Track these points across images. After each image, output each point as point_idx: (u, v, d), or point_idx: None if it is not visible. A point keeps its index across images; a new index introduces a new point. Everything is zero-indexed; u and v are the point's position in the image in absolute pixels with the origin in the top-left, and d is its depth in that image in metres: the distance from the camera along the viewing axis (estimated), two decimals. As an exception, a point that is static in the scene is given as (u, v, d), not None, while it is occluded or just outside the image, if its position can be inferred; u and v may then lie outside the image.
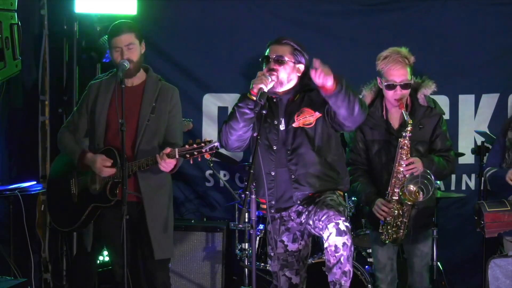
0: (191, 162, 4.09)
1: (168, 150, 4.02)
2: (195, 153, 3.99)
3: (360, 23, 5.96)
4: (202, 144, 3.98)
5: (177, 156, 4.01)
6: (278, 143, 4.05)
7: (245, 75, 6.07)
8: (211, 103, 6.10)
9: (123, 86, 4.05)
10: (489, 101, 5.83)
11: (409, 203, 4.27)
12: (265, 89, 3.87)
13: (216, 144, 3.99)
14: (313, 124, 4.02)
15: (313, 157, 4.01)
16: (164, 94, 4.32)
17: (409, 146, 4.27)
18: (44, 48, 5.84)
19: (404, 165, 4.26)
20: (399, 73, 4.30)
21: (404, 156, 4.27)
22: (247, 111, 3.93)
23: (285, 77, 4.06)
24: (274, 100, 4.11)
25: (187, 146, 4.00)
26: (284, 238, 4.09)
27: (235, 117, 3.99)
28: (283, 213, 4.08)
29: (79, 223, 4.29)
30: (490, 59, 5.83)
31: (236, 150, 4.19)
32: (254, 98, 3.85)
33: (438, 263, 5.25)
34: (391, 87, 4.32)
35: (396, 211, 4.31)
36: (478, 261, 5.03)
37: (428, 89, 4.43)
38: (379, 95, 4.49)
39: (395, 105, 4.35)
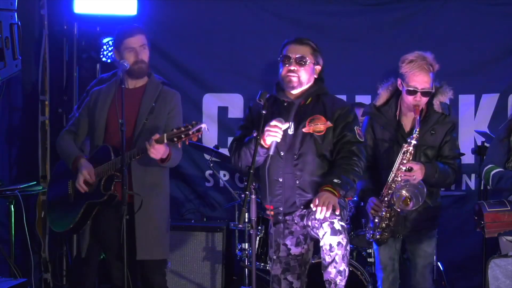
0: (179, 145, 4.04)
1: (156, 136, 4.00)
2: (183, 136, 3.95)
3: (360, 23, 5.95)
4: (190, 127, 3.96)
5: (165, 141, 3.98)
6: (285, 148, 4.01)
7: (245, 75, 6.07)
8: (211, 103, 6.10)
9: (123, 86, 4.06)
10: (489, 101, 5.83)
11: (397, 209, 4.22)
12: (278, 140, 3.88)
13: (203, 125, 3.94)
14: (323, 132, 3.98)
15: (319, 165, 3.99)
16: (164, 97, 4.33)
17: (412, 153, 4.22)
18: (44, 48, 5.84)
19: (403, 170, 4.24)
20: (422, 80, 4.25)
21: (405, 161, 4.23)
22: (260, 156, 3.92)
23: (305, 78, 4.03)
24: (285, 104, 4.07)
25: (174, 130, 3.99)
26: (288, 242, 4.06)
27: (247, 155, 3.98)
28: (287, 217, 4.06)
29: (75, 223, 4.27)
30: (490, 59, 5.83)
31: None
32: (267, 148, 3.87)
33: (438, 263, 5.26)
34: (412, 92, 4.26)
35: (384, 213, 4.29)
36: (478, 261, 5.03)
37: (444, 96, 4.39)
38: (394, 95, 4.45)
39: (411, 110, 4.31)
